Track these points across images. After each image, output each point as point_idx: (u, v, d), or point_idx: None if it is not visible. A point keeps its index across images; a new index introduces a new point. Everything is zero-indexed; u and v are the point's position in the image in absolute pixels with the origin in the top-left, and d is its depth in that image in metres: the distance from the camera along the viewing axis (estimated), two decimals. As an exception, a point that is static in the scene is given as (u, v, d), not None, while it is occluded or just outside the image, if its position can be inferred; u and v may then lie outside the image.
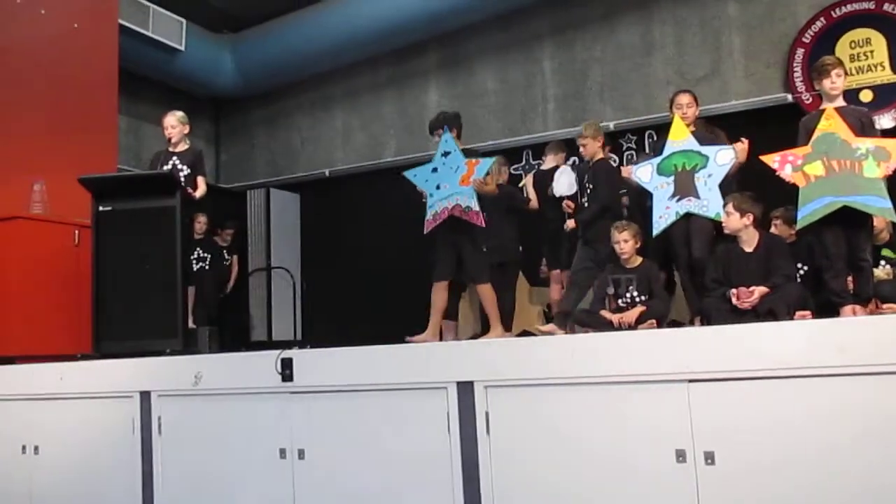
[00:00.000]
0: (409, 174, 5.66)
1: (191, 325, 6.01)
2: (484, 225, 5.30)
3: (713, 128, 5.58)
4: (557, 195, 5.92)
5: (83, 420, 5.10)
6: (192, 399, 4.79)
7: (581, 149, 5.65)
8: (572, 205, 5.95)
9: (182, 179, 5.81)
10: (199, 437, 4.77)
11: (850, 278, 4.33)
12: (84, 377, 5.13)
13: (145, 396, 4.91)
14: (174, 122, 6.07)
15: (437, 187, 5.45)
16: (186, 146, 6.06)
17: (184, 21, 8.99)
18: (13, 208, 5.90)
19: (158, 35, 8.67)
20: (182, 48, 9.00)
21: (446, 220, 5.36)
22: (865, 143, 4.16)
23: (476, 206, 5.26)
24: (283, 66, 9.64)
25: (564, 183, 5.81)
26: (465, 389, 4.06)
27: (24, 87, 6.38)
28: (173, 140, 6.04)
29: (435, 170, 5.52)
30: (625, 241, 5.08)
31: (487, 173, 5.43)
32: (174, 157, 5.95)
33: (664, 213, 4.78)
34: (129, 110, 9.31)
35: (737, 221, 4.66)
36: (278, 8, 9.37)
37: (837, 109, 4.30)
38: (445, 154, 5.48)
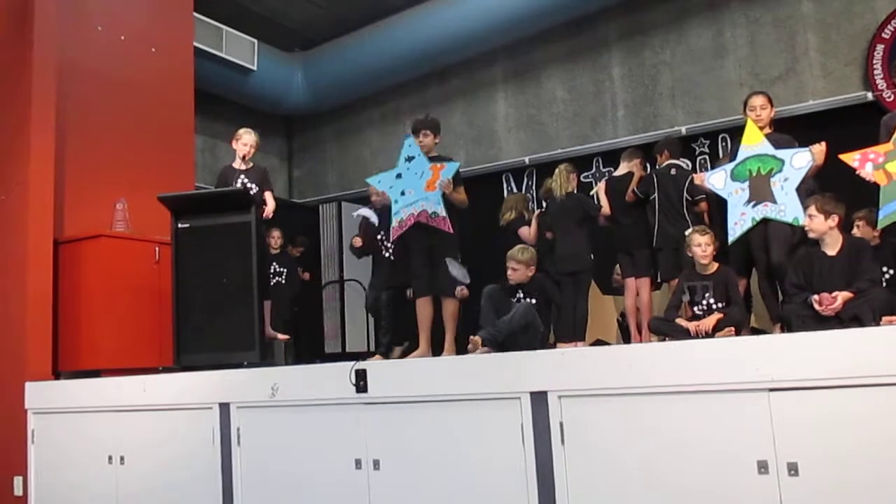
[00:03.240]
0: (372, 180, 5.57)
1: (270, 334, 6.10)
2: (452, 231, 5.18)
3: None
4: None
5: (165, 431, 5.24)
6: (270, 410, 4.88)
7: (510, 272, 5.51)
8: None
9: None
10: (276, 447, 4.84)
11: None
12: (166, 389, 5.28)
13: (224, 408, 5.01)
14: (254, 142, 6.14)
15: (402, 193, 5.29)
16: (251, 164, 6.18)
17: (255, 41, 9.22)
18: (97, 226, 6.13)
19: (232, 56, 8.92)
20: (254, 68, 9.23)
21: (420, 227, 5.24)
22: (952, 140, 4.00)
23: (443, 212, 5.14)
24: (353, 81, 9.79)
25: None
26: (539, 400, 4.03)
27: (106, 110, 6.64)
28: (247, 158, 6.13)
29: (399, 175, 5.34)
30: (706, 245, 4.97)
31: (454, 177, 5.26)
32: (242, 175, 6.06)
33: (739, 220, 4.66)
34: (205, 129, 9.57)
35: (822, 224, 4.51)
36: (347, 25, 9.52)
37: (921, 106, 4.15)
38: (409, 159, 5.31)
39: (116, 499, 5.31)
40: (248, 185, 5.98)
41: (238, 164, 6.13)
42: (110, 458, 5.37)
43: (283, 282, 7.69)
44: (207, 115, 9.44)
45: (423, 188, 5.23)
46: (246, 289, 5.46)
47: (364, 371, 4.52)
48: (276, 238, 7.64)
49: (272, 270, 7.56)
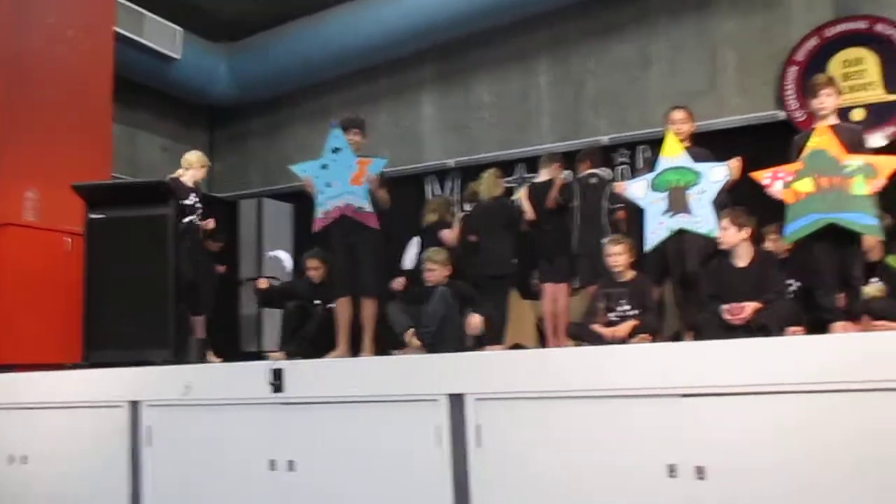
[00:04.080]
0: (296, 168, 5.53)
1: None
2: (378, 227, 5.20)
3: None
4: (406, 268, 5.68)
5: (72, 429, 5.07)
6: (182, 409, 4.77)
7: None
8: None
9: (199, 216, 6.02)
10: (188, 447, 4.74)
11: (841, 295, 4.34)
12: (73, 386, 5.11)
13: (135, 406, 4.88)
14: (205, 162, 6.34)
15: (328, 185, 5.28)
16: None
17: (180, 29, 8.99)
18: (6, 215, 5.90)
19: (154, 43, 8.66)
20: (178, 56, 9.00)
21: (343, 224, 5.24)
22: (855, 161, 4.18)
23: (369, 207, 5.15)
24: (280, 75, 9.64)
25: (414, 256, 5.57)
26: (457, 402, 4.05)
27: (17, 95, 6.37)
28: (197, 178, 6.22)
29: (325, 166, 5.32)
30: (618, 255, 5.09)
31: (381, 174, 5.30)
32: (193, 194, 6.08)
33: (657, 229, 4.78)
34: (124, 118, 9.28)
35: (734, 236, 4.67)
36: (276, 18, 9.38)
37: (829, 127, 4.32)
38: (335, 150, 5.29)
39: (15, 500, 5.11)
40: (199, 205, 6.07)
41: (187, 181, 6.16)
42: (11, 457, 5.16)
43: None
44: (127, 104, 9.15)
45: (348, 181, 5.21)
46: (161, 284, 5.33)
47: (281, 370, 4.47)
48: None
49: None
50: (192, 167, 6.25)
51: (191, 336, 6.02)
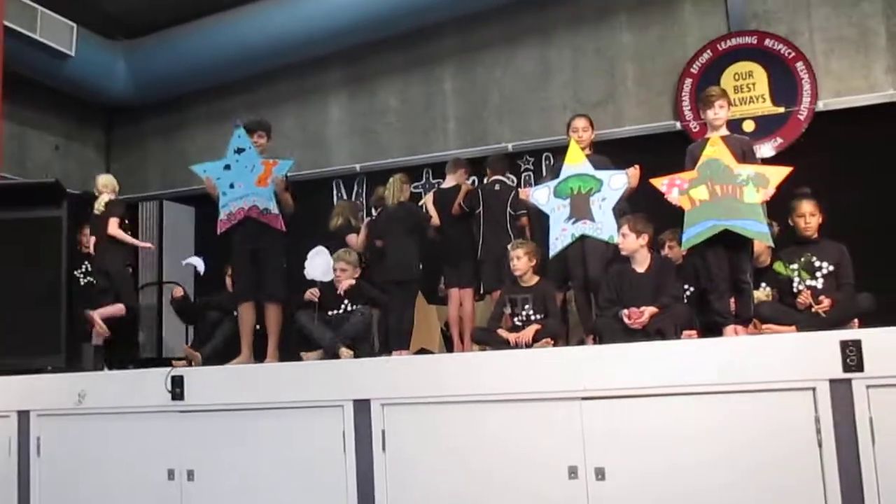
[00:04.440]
0: (197, 168, 5.43)
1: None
2: (284, 229, 5.17)
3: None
4: (309, 278, 5.64)
5: (-46, 441, 4.81)
6: (75, 419, 4.61)
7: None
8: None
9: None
10: (81, 458, 4.58)
11: (732, 299, 4.52)
12: (-44, 396, 4.86)
13: (23, 416, 4.69)
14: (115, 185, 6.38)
15: (231, 186, 5.20)
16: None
17: (74, 25, 8.65)
18: None
19: (47, 39, 8.30)
20: (72, 53, 8.65)
21: (246, 227, 5.18)
22: (747, 170, 4.38)
23: (275, 209, 5.11)
24: (180, 75, 9.39)
25: (319, 266, 5.60)
26: (362, 407, 4.05)
27: None
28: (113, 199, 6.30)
29: (228, 167, 5.23)
30: (518, 259, 5.17)
31: (286, 177, 5.26)
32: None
33: (560, 235, 4.89)
34: (13, 115, 8.86)
35: (633, 242, 4.81)
36: (175, 17, 9.14)
37: (722, 137, 4.51)
38: (239, 151, 5.22)
39: None
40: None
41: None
42: None
43: (95, 283, 7.25)
44: (17, 101, 8.74)
45: (253, 182, 5.12)
46: (53, 289, 5.13)
47: (181, 377, 4.37)
48: (88, 236, 7.22)
49: (83, 270, 7.14)
50: (105, 191, 6.32)
51: (86, 342, 5.81)
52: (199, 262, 6.56)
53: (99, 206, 6.24)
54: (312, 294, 5.46)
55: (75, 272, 6.62)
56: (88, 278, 7.16)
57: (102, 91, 9.53)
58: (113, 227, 6.18)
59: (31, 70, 8.52)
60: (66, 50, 8.57)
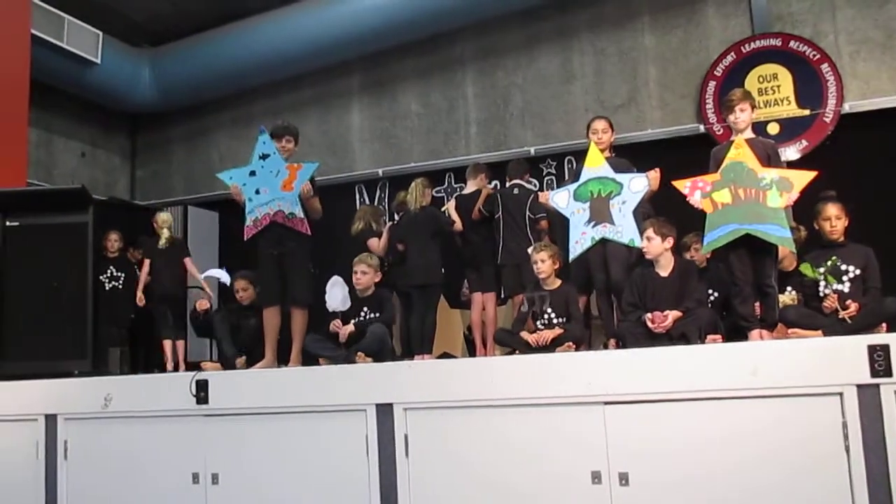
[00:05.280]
0: (223, 175, 5.42)
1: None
2: (310, 233, 5.17)
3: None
4: (331, 310, 5.50)
5: (-16, 444, 4.88)
6: (102, 422, 4.65)
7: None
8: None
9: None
10: (107, 462, 4.62)
11: (757, 304, 4.48)
12: (-15, 400, 4.92)
13: (51, 419, 4.74)
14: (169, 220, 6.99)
15: (257, 192, 5.20)
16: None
17: (100, 33, 8.76)
18: (-87, 222, 5.63)
19: (73, 47, 8.42)
20: (98, 61, 8.77)
21: (270, 232, 5.19)
22: (771, 174, 4.33)
23: (300, 213, 5.11)
24: (203, 82, 9.48)
25: (338, 296, 5.48)
26: (385, 412, 4.05)
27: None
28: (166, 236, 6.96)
29: (253, 173, 5.24)
30: (542, 262, 5.16)
31: (311, 179, 5.26)
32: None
33: (580, 239, 4.87)
34: (41, 123, 9.01)
35: (658, 245, 4.78)
36: (199, 24, 9.23)
37: (746, 140, 4.47)
38: (264, 157, 5.22)
39: (-78, 518, 4.90)
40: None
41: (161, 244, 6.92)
42: (-84, 474, 4.94)
43: (121, 287, 7.33)
44: (44, 109, 8.89)
45: (279, 187, 5.13)
46: (79, 293, 5.18)
47: (206, 381, 4.40)
48: (113, 241, 7.31)
49: (108, 275, 7.22)
50: (164, 226, 7.09)
51: (112, 347, 5.87)
52: (222, 274, 6.59)
53: (163, 242, 7.01)
54: (337, 326, 5.43)
55: (100, 277, 6.72)
56: (113, 283, 7.27)
57: (127, 98, 9.64)
58: (190, 266, 7.08)
59: (58, 78, 8.65)
60: (92, 57, 8.69)
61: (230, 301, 6.35)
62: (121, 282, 7.35)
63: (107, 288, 7.17)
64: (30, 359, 5.12)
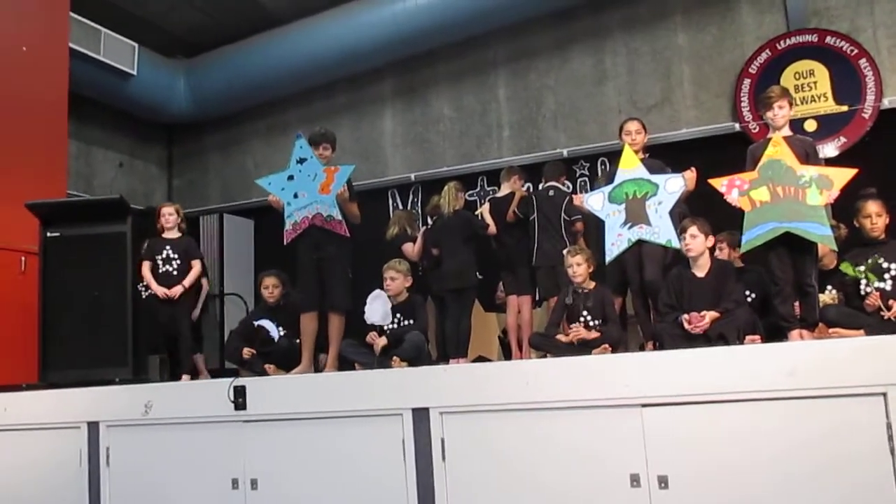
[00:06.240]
0: (262, 182, 5.47)
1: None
2: (349, 235, 5.19)
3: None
4: (370, 322, 5.46)
5: (28, 452, 4.97)
6: (142, 429, 4.70)
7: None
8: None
9: (175, 268, 5.91)
10: (148, 468, 4.67)
11: (797, 303, 4.41)
12: (29, 408, 5.01)
13: (93, 427, 4.80)
14: (173, 211, 6.15)
15: (295, 196, 5.24)
16: (178, 234, 6.11)
17: (136, 45, 8.91)
18: (-43, 236, 5.77)
19: (110, 59, 8.56)
20: (134, 73, 8.91)
21: (309, 237, 5.21)
22: (809, 171, 4.26)
23: (339, 216, 5.13)
24: (238, 91, 9.58)
25: (378, 311, 5.44)
26: (421, 416, 4.05)
27: (-31, 111, 6.25)
28: (168, 227, 6.09)
29: (291, 177, 5.29)
30: (578, 266, 5.14)
31: (350, 183, 5.30)
32: (167, 246, 5.98)
33: (616, 241, 4.83)
34: (80, 135, 9.17)
35: (701, 243, 4.74)
36: (233, 34, 9.34)
37: (784, 138, 4.40)
38: (301, 161, 5.27)
39: (-30, 524, 5.00)
40: (173, 255, 5.95)
41: (165, 234, 6.10)
42: (-35, 480, 5.04)
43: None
44: (83, 121, 9.05)
45: (317, 190, 5.18)
46: (119, 302, 5.25)
47: (243, 387, 4.43)
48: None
49: (145, 283, 7.29)
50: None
51: (151, 354, 5.93)
52: (271, 327, 6.38)
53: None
54: (373, 338, 5.44)
55: (138, 286, 6.79)
56: (149, 291, 7.34)
57: (163, 108, 9.78)
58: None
59: (96, 90, 8.80)
60: (129, 69, 8.84)
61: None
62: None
63: (143, 296, 7.25)
64: (72, 367, 5.19)
